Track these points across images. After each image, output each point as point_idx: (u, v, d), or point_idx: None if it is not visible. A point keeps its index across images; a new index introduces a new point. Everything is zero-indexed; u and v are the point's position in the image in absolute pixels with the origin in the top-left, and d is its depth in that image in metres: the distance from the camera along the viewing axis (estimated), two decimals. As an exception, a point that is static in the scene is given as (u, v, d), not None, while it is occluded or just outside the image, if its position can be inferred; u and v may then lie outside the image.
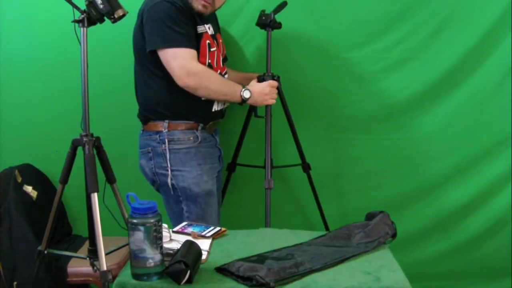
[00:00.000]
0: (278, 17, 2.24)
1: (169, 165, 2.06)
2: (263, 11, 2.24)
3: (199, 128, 2.11)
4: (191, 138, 2.08)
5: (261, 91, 2.12)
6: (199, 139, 2.10)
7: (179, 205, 2.09)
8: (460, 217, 2.55)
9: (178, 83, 1.96)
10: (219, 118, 2.21)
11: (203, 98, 2.06)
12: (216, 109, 2.14)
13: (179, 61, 1.94)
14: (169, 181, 2.07)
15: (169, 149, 2.06)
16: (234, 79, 2.22)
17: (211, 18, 2.18)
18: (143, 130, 2.14)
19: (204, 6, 2.02)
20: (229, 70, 2.29)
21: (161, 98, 2.05)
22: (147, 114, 2.10)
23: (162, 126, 2.06)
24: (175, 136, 2.06)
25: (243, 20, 2.42)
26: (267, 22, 2.20)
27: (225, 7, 2.33)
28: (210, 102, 2.10)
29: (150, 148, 2.09)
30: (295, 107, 2.36)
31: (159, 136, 2.06)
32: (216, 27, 2.23)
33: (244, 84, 2.15)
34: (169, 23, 1.92)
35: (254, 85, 2.14)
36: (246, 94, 2.06)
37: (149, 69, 2.04)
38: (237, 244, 1.73)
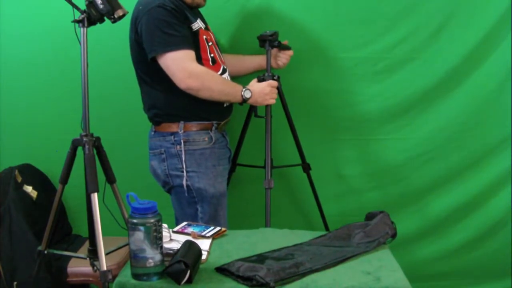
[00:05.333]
0: (279, 19, 2.25)
1: (184, 166, 2.05)
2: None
3: (213, 128, 2.11)
4: (206, 139, 2.08)
5: (261, 91, 2.12)
6: (213, 140, 2.10)
7: (193, 206, 2.09)
8: (460, 217, 2.55)
9: (180, 86, 1.95)
10: (230, 114, 2.20)
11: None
12: (227, 104, 2.14)
13: (179, 64, 1.94)
14: (184, 182, 2.06)
15: (185, 150, 2.05)
16: (231, 63, 2.24)
17: (197, 13, 2.17)
18: (154, 131, 2.12)
19: None
20: (225, 55, 2.27)
21: (172, 102, 2.05)
22: (158, 119, 2.09)
23: (178, 127, 2.06)
24: (190, 137, 2.06)
25: (243, 21, 2.41)
26: (266, 38, 2.21)
27: (224, 8, 2.35)
28: None
29: (163, 150, 2.08)
30: (295, 107, 2.36)
31: (174, 137, 2.06)
32: (203, 21, 2.20)
33: (240, 65, 2.17)
34: (164, 28, 1.92)
35: (254, 85, 2.14)
36: (247, 94, 2.06)
37: (154, 76, 2.03)
38: (237, 244, 1.73)
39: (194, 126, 2.07)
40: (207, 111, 2.08)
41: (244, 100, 2.07)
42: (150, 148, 2.15)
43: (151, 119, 2.14)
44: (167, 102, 2.06)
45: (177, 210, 2.15)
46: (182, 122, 2.06)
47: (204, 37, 2.07)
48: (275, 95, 2.18)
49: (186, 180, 2.06)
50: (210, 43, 2.10)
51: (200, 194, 2.08)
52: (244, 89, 2.06)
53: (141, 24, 1.95)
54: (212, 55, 2.08)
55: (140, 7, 1.97)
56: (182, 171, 2.06)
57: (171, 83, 1.97)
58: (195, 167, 2.06)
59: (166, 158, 2.08)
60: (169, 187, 2.12)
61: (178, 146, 2.05)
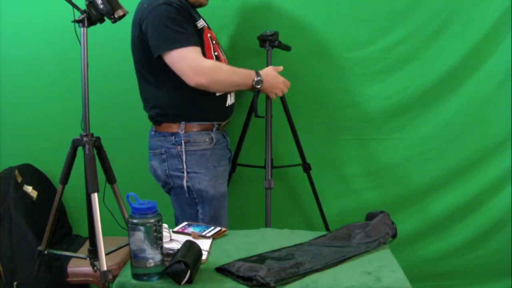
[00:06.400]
0: (279, 19, 2.26)
1: (185, 167, 2.05)
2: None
3: (214, 129, 2.10)
4: (207, 139, 2.07)
5: (273, 85, 2.11)
6: (214, 141, 2.09)
7: (193, 207, 2.08)
8: (460, 217, 2.56)
9: (189, 83, 1.93)
10: (231, 114, 2.20)
11: (217, 94, 2.05)
12: (230, 103, 2.13)
13: (187, 61, 1.92)
14: (184, 183, 2.05)
15: (185, 151, 2.04)
16: None
17: (199, 12, 2.17)
18: (155, 131, 2.12)
19: None
20: None
21: (175, 102, 2.04)
22: (160, 118, 2.08)
23: (178, 127, 2.05)
24: (191, 138, 2.05)
25: (243, 21, 2.41)
26: (266, 38, 2.21)
27: (224, 8, 2.34)
28: (224, 97, 2.09)
29: (163, 150, 2.07)
30: (295, 107, 2.36)
31: (175, 138, 2.05)
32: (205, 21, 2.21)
33: None
34: (170, 25, 1.91)
35: (270, 75, 2.10)
36: (258, 85, 2.04)
37: (159, 75, 2.02)
38: (237, 244, 1.73)
39: (195, 126, 2.07)
40: (209, 111, 2.07)
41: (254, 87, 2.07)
42: (150, 148, 2.15)
43: (152, 118, 2.13)
44: (170, 102, 2.05)
45: (177, 210, 2.15)
46: (183, 122, 2.05)
47: (209, 35, 2.07)
48: (287, 90, 2.18)
49: (187, 181, 2.05)
50: (214, 41, 2.09)
51: (201, 195, 2.07)
52: (256, 79, 2.04)
53: (147, 22, 1.93)
54: (216, 53, 2.07)
55: (145, 5, 1.96)
56: (183, 172, 2.05)
57: (175, 83, 1.96)
58: (196, 168, 2.06)
59: (166, 159, 2.07)
60: (169, 187, 2.12)
61: (178, 147, 2.05)
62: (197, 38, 1.98)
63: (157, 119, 2.10)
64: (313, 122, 2.52)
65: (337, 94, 2.48)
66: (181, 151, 2.04)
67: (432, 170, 2.53)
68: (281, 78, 2.15)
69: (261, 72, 2.08)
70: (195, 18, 2.03)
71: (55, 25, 2.36)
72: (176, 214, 2.15)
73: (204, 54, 2.00)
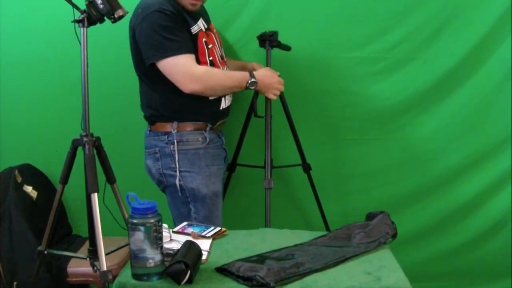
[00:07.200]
0: (279, 19, 2.27)
1: (177, 166, 2.05)
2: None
3: (207, 129, 2.10)
4: (200, 139, 2.08)
5: (268, 85, 2.11)
6: (207, 140, 2.10)
7: (186, 206, 2.09)
8: (460, 217, 2.55)
9: (183, 90, 1.96)
10: (226, 116, 2.20)
11: (210, 98, 2.06)
12: (224, 107, 2.14)
13: (180, 69, 1.94)
14: (177, 182, 2.06)
15: (178, 150, 2.05)
16: (232, 69, 2.24)
17: (201, 11, 2.16)
18: (149, 131, 2.13)
19: (192, 4, 2.02)
20: (227, 59, 2.27)
21: (168, 104, 2.05)
22: (153, 118, 2.10)
23: (171, 126, 2.06)
24: (184, 137, 2.06)
25: (243, 20, 2.41)
26: (266, 38, 2.21)
27: (224, 8, 2.34)
28: (218, 101, 2.10)
29: (157, 149, 2.08)
30: (295, 107, 2.36)
31: (168, 137, 2.06)
32: (207, 18, 2.20)
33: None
34: (163, 33, 1.91)
35: (264, 76, 2.11)
36: (252, 86, 2.05)
37: (152, 79, 2.03)
38: (237, 244, 1.73)
39: (188, 126, 2.07)
40: (202, 113, 2.08)
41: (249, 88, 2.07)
42: (145, 147, 2.16)
43: (146, 118, 2.15)
44: (163, 103, 2.06)
45: (172, 209, 2.16)
46: (175, 122, 2.06)
47: (204, 40, 2.07)
48: (283, 89, 2.18)
49: (179, 180, 2.06)
50: (210, 46, 2.09)
51: (193, 194, 2.07)
52: (250, 81, 2.04)
53: (140, 29, 1.95)
54: (211, 58, 2.07)
55: (140, 11, 1.97)
56: (175, 171, 2.06)
57: (169, 86, 1.97)
58: (189, 167, 2.07)
59: (160, 158, 2.08)
60: (163, 186, 2.13)
61: (171, 146, 2.06)
62: (191, 45, 1.99)
63: (151, 119, 2.11)
64: (313, 122, 2.51)
65: (337, 94, 2.48)
66: (174, 150, 2.05)
67: (432, 170, 2.53)
68: (277, 78, 2.15)
69: (255, 73, 2.08)
70: (189, 23, 2.02)
71: (55, 25, 2.36)
72: (172, 212, 2.16)
73: (198, 59, 2.01)
